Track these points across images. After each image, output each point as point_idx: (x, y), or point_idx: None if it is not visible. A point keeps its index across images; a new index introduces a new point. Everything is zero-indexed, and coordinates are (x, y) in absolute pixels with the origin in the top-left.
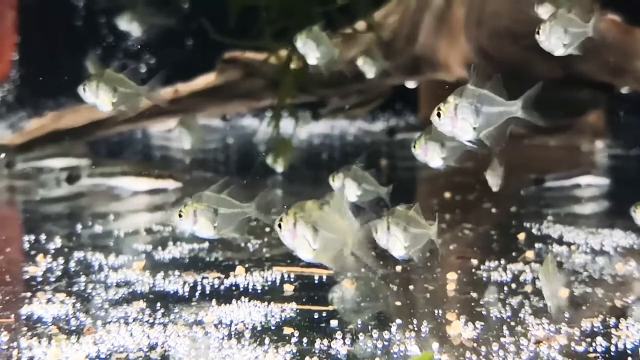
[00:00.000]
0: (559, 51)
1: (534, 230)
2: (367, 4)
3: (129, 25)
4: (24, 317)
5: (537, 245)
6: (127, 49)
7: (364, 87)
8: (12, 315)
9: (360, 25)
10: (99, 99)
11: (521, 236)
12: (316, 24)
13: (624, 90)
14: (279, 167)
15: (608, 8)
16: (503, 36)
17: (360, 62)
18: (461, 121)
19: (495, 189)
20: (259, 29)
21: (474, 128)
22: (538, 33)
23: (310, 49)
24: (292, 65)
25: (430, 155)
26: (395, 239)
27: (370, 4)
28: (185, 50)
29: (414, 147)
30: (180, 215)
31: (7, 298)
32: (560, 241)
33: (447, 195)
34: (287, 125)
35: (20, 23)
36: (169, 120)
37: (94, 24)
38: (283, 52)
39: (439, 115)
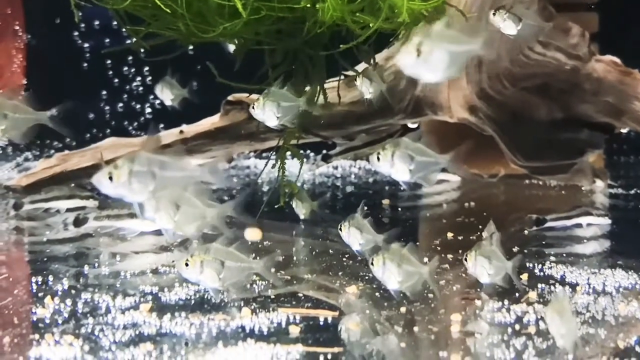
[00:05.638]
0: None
1: (536, 271)
2: (369, 47)
3: (162, 94)
4: None
5: (540, 285)
6: (132, 90)
7: (370, 127)
8: (21, 358)
9: (363, 67)
10: None
11: (524, 277)
12: (318, 66)
13: (624, 130)
14: (301, 215)
15: (608, 49)
16: (503, 78)
17: (359, 82)
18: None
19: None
20: (264, 72)
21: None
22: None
23: (271, 112)
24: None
25: None
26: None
27: (372, 48)
28: (191, 92)
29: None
30: (186, 264)
31: (16, 340)
32: (562, 281)
33: (450, 235)
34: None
35: (27, 65)
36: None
37: (100, 66)
38: None
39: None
